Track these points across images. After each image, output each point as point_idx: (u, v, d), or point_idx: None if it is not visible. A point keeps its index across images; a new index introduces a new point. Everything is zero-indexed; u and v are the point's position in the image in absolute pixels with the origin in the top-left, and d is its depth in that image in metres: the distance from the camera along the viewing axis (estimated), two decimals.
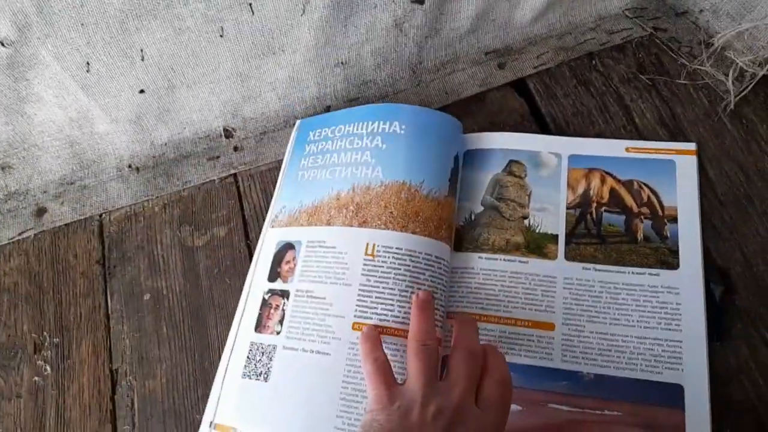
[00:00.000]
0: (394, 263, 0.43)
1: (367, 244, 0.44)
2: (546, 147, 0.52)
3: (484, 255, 0.48)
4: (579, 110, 0.55)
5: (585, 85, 0.57)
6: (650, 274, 0.46)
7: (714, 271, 0.46)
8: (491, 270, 0.47)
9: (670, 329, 0.44)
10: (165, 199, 0.57)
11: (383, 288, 0.43)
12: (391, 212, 0.45)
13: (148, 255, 0.55)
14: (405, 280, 0.43)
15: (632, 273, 0.46)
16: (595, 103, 0.55)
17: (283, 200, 0.52)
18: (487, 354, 0.39)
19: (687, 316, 0.44)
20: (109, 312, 0.53)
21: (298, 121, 0.56)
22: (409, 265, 0.43)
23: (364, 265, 0.44)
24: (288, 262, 0.48)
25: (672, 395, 0.42)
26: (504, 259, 0.47)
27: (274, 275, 0.48)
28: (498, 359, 0.39)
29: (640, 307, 0.45)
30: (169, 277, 0.54)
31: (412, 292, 0.43)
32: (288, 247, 0.48)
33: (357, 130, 0.50)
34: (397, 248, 0.44)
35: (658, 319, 0.44)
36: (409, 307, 0.42)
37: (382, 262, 0.44)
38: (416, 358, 0.38)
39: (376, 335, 0.41)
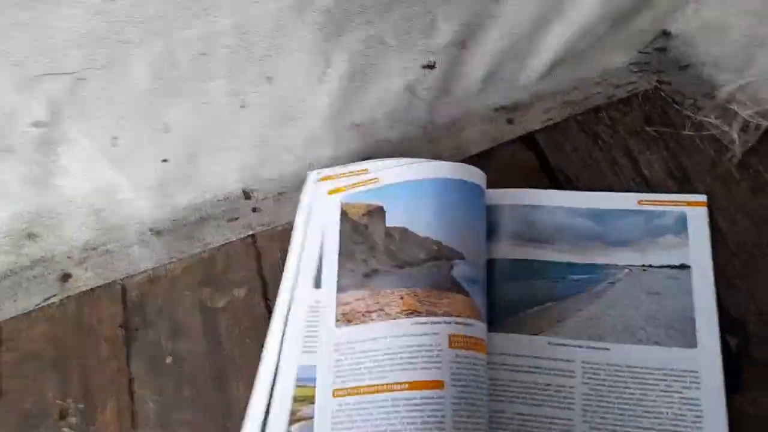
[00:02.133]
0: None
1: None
2: (566, 203, 0.53)
3: None
4: (588, 163, 0.57)
5: (593, 138, 0.58)
6: None
7: (729, 324, 0.47)
8: None
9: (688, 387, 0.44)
10: (186, 261, 0.58)
11: None
12: None
13: (170, 318, 0.56)
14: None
15: None
16: (604, 155, 0.57)
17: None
18: None
19: (704, 371, 0.44)
20: (132, 376, 0.54)
21: (331, 196, 0.55)
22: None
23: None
24: None
25: None
26: None
27: None
28: None
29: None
30: (190, 340, 0.54)
31: None
32: None
33: None
34: None
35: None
36: None
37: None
38: None
39: None
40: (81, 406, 0.52)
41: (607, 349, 0.46)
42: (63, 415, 0.52)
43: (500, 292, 0.49)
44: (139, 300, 0.57)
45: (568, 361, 0.46)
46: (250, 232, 0.58)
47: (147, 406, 0.52)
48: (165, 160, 0.53)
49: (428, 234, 0.48)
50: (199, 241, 0.58)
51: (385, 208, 0.51)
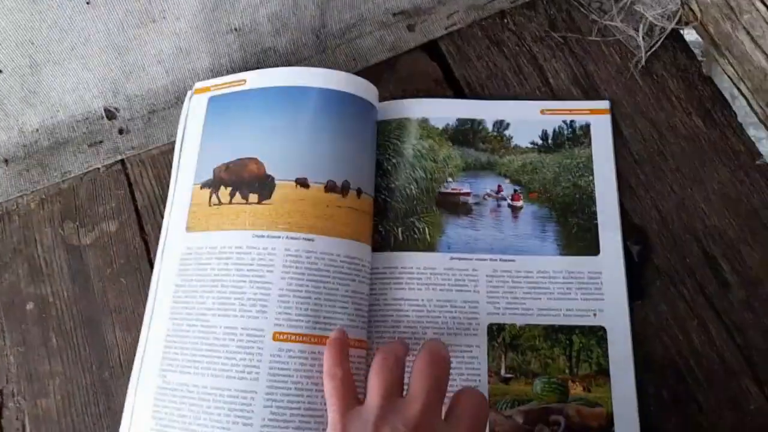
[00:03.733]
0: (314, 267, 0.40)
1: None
2: (467, 113, 0.49)
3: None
4: (493, 72, 0.53)
5: (498, 45, 0.54)
6: None
7: (632, 231, 0.46)
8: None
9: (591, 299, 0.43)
10: (42, 193, 0.50)
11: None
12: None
13: (28, 258, 0.48)
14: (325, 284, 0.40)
15: None
16: (509, 64, 0.53)
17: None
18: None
19: (607, 277, 0.44)
20: None
21: (197, 95, 0.50)
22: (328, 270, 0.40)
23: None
24: None
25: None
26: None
27: None
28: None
29: (559, 286, 0.44)
30: (54, 282, 0.48)
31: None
32: None
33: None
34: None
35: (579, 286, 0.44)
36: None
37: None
38: (377, 375, 0.35)
39: (344, 342, 0.38)
40: None
41: (513, 260, 0.44)
42: None
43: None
44: None
45: (473, 270, 0.44)
46: (118, 158, 0.51)
47: (7, 359, 0.46)
48: None
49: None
50: (56, 170, 0.50)
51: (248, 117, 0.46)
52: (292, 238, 0.40)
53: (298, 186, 0.42)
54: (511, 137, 0.49)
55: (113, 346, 0.46)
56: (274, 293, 0.39)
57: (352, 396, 0.36)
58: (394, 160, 0.48)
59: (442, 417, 0.34)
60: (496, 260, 0.44)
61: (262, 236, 0.40)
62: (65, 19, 0.42)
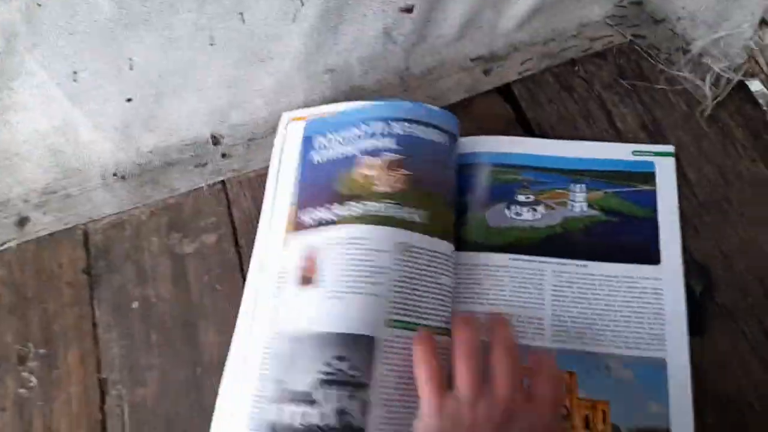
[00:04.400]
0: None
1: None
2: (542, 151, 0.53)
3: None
4: (563, 116, 0.57)
5: (568, 90, 0.58)
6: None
7: (695, 269, 0.48)
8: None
9: (654, 320, 0.45)
10: (152, 206, 0.56)
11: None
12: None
13: (136, 263, 0.54)
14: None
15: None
16: (579, 108, 0.57)
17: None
18: (531, 356, 0.40)
19: (669, 309, 0.46)
20: (96, 321, 0.52)
21: (294, 122, 0.55)
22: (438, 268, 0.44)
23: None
24: (309, 259, 0.45)
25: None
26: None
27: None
28: (545, 357, 0.40)
29: (623, 294, 0.46)
30: (157, 285, 0.53)
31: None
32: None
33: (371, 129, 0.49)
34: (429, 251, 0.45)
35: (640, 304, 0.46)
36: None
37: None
38: (463, 362, 0.38)
39: (431, 339, 0.41)
40: (42, 350, 0.51)
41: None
42: (22, 360, 0.51)
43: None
44: (103, 245, 0.55)
45: (539, 270, 0.48)
46: (220, 179, 0.57)
47: (112, 351, 0.51)
48: (129, 99, 0.51)
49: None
50: (166, 187, 0.56)
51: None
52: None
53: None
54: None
55: (207, 346, 0.50)
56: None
57: (444, 383, 0.39)
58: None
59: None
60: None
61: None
62: (191, 57, 0.49)
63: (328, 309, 0.42)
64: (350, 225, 0.45)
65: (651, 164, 0.52)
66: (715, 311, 0.47)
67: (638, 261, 0.48)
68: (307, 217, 0.48)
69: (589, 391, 0.44)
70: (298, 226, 0.49)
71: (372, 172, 0.47)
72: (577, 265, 0.48)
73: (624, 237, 0.49)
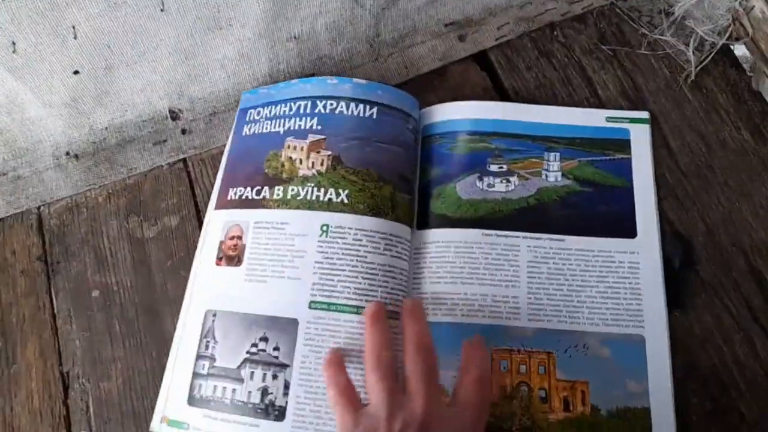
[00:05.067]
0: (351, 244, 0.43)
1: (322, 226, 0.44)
2: (513, 116, 0.51)
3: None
4: (542, 83, 0.54)
5: (547, 56, 0.55)
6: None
7: (675, 240, 0.47)
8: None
9: (631, 296, 0.44)
10: (109, 188, 0.53)
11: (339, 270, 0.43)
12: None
13: (94, 249, 0.51)
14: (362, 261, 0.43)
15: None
16: (558, 75, 0.54)
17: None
18: (464, 350, 0.39)
19: (646, 283, 0.45)
20: (56, 311, 0.50)
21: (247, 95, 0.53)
22: (366, 246, 0.43)
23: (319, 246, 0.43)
24: (233, 237, 0.46)
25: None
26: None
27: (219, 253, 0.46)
28: (476, 354, 0.39)
29: (599, 270, 0.45)
30: (118, 272, 0.50)
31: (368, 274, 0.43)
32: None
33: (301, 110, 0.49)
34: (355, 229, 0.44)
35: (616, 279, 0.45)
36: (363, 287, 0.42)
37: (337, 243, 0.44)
38: (374, 374, 0.37)
39: (338, 360, 0.40)
40: None
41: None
42: None
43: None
44: (58, 230, 0.52)
45: (513, 245, 0.46)
46: (181, 157, 0.54)
47: (73, 343, 0.49)
48: (76, 72, 0.47)
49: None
50: (123, 166, 0.53)
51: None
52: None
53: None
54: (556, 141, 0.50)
55: (172, 335, 0.48)
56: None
57: (357, 400, 0.38)
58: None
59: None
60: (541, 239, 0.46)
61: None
62: (140, 24, 0.45)
63: (253, 291, 0.44)
64: (275, 210, 0.45)
65: (626, 131, 0.50)
66: (697, 285, 0.46)
67: (614, 234, 0.46)
68: (232, 193, 0.48)
69: (567, 372, 0.43)
70: (222, 202, 0.48)
71: (296, 154, 0.47)
72: (552, 239, 0.46)
73: (599, 208, 0.47)
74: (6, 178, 0.53)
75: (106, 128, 0.53)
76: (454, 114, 0.51)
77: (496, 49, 0.56)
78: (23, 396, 0.47)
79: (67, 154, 0.53)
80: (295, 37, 0.52)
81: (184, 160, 0.53)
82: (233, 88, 0.54)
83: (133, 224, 0.52)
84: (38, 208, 0.53)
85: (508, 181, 0.49)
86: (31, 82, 0.46)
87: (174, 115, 0.54)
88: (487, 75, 0.55)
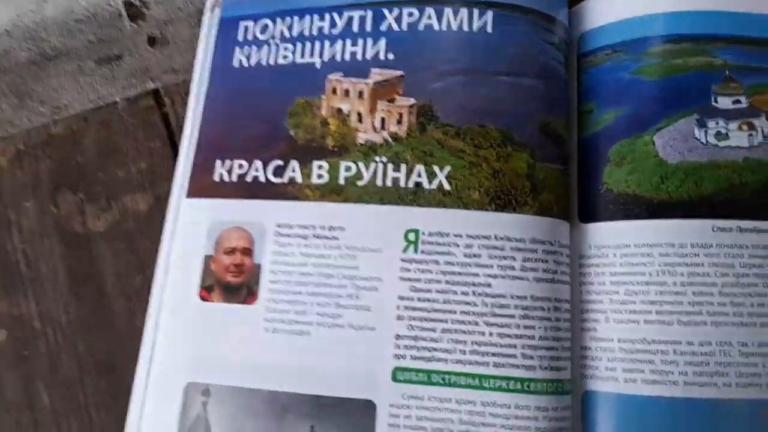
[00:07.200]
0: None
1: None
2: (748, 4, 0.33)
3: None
4: None
5: None
6: None
7: None
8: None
9: None
10: (20, 142, 0.34)
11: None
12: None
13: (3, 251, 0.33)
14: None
15: None
16: None
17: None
18: None
19: None
20: None
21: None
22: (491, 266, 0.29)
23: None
24: (233, 251, 0.30)
25: None
26: None
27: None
28: None
29: None
30: (43, 296, 0.32)
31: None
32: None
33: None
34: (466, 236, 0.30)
35: None
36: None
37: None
38: None
39: None
40: None
41: None
42: None
43: None
44: None
45: None
46: (149, 86, 0.36)
47: None
48: None
49: None
50: (44, 103, 0.36)
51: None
52: None
53: None
54: None
55: None
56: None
57: None
58: None
59: None
60: None
61: None
62: None
63: (281, 351, 0.29)
64: (314, 203, 0.31)
65: None
66: None
67: None
68: (222, 170, 0.31)
69: None
70: (200, 184, 0.31)
71: (349, 105, 0.32)
72: None
73: None
74: None
75: (7, 31, 0.33)
76: (636, 6, 0.33)
77: None
78: None
79: None
80: None
81: (156, 93, 0.34)
82: None
83: (66, 209, 0.32)
84: None
85: (752, 126, 0.32)
86: None
87: (134, 11, 0.33)
88: None
